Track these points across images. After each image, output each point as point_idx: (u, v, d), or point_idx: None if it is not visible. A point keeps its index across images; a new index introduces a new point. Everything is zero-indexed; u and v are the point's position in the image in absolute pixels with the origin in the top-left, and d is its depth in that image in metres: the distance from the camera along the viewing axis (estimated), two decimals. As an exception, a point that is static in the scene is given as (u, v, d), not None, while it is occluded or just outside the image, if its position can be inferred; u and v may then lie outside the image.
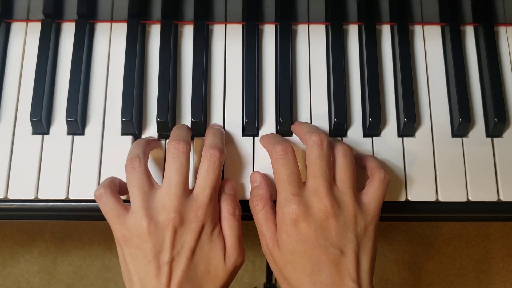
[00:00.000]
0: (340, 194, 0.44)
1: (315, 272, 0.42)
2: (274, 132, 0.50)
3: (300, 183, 0.44)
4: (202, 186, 0.43)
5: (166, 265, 0.41)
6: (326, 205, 0.42)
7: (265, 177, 0.48)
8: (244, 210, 0.47)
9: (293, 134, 0.50)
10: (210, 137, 0.46)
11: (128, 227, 0.42)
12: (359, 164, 0.48)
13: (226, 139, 0.49)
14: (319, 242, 0.42)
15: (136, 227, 0.42)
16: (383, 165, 0.46)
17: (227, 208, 0.45)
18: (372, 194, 0.45)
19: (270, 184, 0.47)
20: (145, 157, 0.44)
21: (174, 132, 0.46)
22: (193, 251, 0.42)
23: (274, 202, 0.45)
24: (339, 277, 0.42)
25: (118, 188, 0.46)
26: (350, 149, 0.45)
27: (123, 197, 0.47)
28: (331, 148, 0.45)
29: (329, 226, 0.42)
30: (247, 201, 0.47)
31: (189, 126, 0.49)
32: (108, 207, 0.43)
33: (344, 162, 0.45)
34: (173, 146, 0.43)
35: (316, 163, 0.44)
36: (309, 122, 0.51)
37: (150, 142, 0.47)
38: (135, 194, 0.43)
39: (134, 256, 0.42)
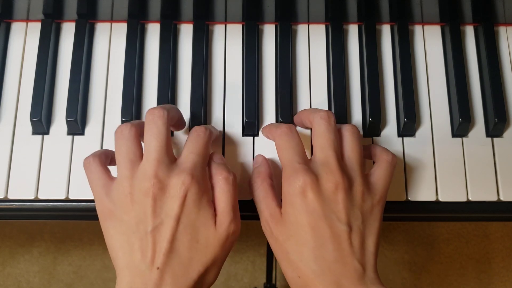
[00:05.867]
0: (348, 169, 0.42)
1: (318, 247, 0.40)
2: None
3: (306, 156, 0.43)
4: (186, 153, 0.41)
5: (150, 235, 0.39)
6: (336, 176, 0.41)
7: (268, 160, 0.47)
8: (245, 210, 0.46)
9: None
10: None
11: (112, 199, 0.40)
12: (364, 155, 0.47)
13: (226, 139, 0.49)
14: (325, 214, 0.40)
15: (120, 198, 0.40)
16: (389, 150, 0.46)
17: (219, 172, 0.42)
18: (379, 175, 0.44)
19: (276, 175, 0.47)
20: (138, 126, 0.42)
21: None
22: (178, 220, 0.39)
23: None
24: (343, 254, 0.40)
25: (109, 160, 0.44)
26: (357, 129, 0.45)
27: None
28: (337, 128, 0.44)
29: (337, 199, 0.40)
30: (248, 201, 0.47)
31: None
32: (94, 176, 0.42)
33: (352, 139, 0.44)
34: (148, 113, 0.41)
35: (324, 135, 0.42)
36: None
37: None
38: (120, 163, 0.41)
39: (118, 229, 0.40)
